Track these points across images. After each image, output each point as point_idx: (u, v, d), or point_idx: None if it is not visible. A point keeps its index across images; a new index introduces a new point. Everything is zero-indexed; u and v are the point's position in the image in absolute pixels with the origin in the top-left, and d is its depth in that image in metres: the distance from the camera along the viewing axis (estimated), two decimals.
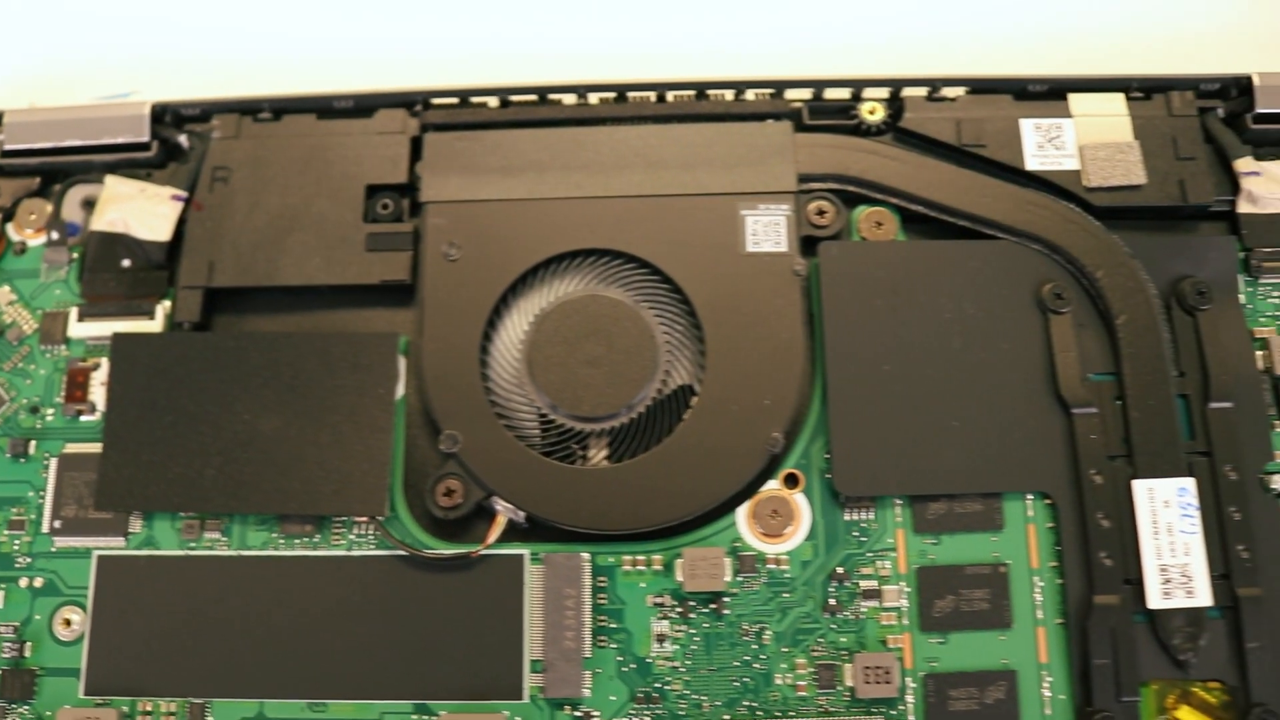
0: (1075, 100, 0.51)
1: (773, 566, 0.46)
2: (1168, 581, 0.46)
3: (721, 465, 0.45)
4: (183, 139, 0.50)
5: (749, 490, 0.46)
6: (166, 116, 0.50)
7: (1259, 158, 0.52)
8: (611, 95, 0.50)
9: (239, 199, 0.49)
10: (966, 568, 0.46)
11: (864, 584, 0.46)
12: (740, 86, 0.50)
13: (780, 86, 0.50)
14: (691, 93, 0.50)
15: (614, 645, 0.45)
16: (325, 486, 0.45)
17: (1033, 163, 0.50)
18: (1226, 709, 0.46)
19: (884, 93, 0.51)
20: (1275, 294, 0.50)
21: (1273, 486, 0.48)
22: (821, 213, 0.49)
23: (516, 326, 0.47)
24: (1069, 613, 0.45)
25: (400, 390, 0.47)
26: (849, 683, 0.44)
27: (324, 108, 0.50)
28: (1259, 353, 0.49)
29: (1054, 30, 0.57)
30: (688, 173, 0.49)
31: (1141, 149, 0.50)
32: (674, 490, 0.45)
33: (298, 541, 0.46)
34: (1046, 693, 0.45)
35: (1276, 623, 0.46)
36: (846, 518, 0.46)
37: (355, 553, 0.46)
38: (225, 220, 0.49)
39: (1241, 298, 0.50)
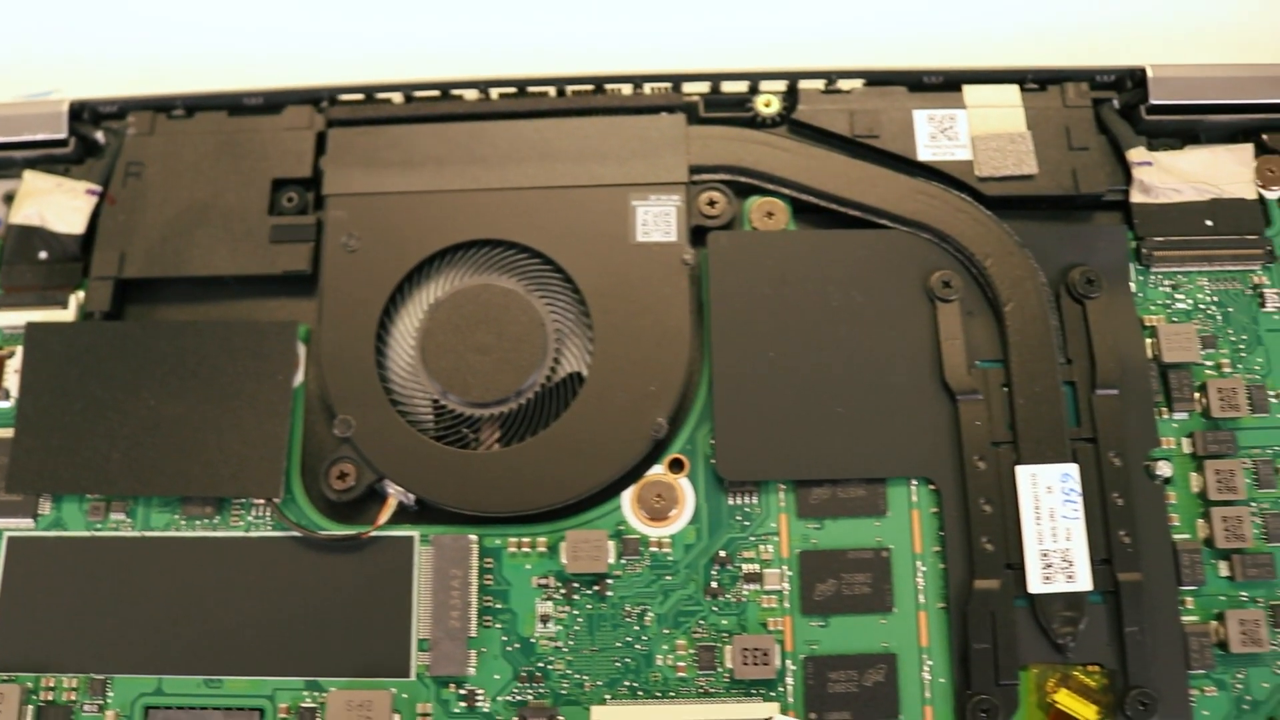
0: (969, 92, 0.52)
1: (656, 549, 0.46)
2: (1049, 566, 0.46)
3: (606, 450, 0.46)
4: (99, 135, 0.52)
5: (635, 474, 0.47)
6: (84, 114, 0.52)
7: (1153, 148, 0.52)
8: (512, 90, 0.51)
9: (151, 193, 0.51)
10: (849, 552, 0.47)
11: (746, 567, 0.46)
12: (638, 80, 0.51)
13: (677, 80, 0.51)
14: (590, 87, 0.51)
15: (499, 625, 0.46)
16: (224, 469, 0.47)
17: (925, 153, 0.50)
18: (1105, 692, 0.46)
19: (781, 86, 0.52)
20: (1166, 283, 0.51)
21: (1157, 473, 0.48)
22: (712, 203, 0.50)
23: (413, 315, 0.49)
24: (950, 597, 0.46)
25: (299, 377, 0.48)
26: (728, 664, 0.45)
27: (234, 105, 0.52)
28: (1148, 341, 0.50)
29: (952, 23, 0.58)
30: (581, 165, 0.50)
31: (1034, 139, 0.51)
32: (559, 474, 0.46)
33: (199, 523, 0.47)
34: (926, 676, 0.46)
35: (1156, 608, 0.46)
36: (730, 502, 0.47)
37: (253, 534, 0.47)
38: (137, 214, 0.50)
39: (1133, 286, 0.50)
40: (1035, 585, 0.46)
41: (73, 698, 0.45)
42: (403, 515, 0.47)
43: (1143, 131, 0.52)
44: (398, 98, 0.51)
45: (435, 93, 0.51)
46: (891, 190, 0.50)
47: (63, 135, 0.51)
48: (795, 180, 0.49)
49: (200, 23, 0.58)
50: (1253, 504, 0.48)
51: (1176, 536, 0.47)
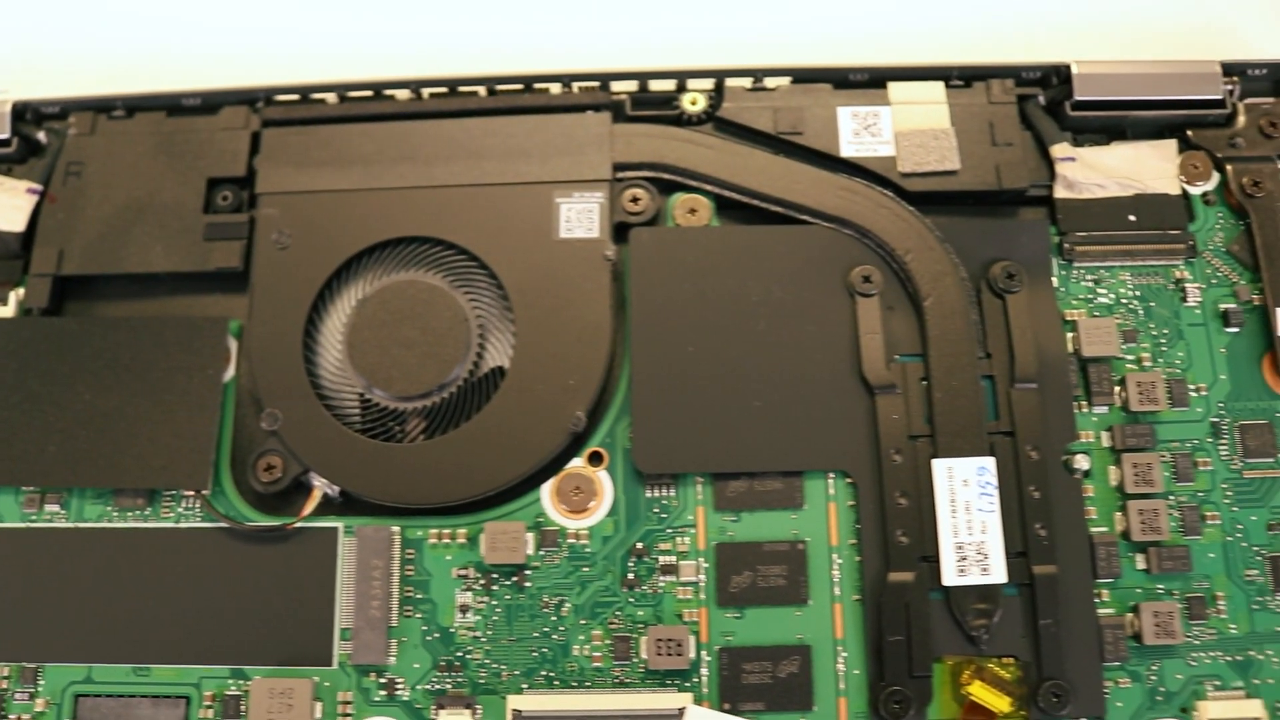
0: (894, 89, 0.52)
1: (574, 541, 0.47)
2: (963, 559, 0.47)
3: (525, 442, 0.47)
4: (41, 135, 0.53)
5: (554, 467, 0.48)
6: (27, 114, 0.53)
7: (1079, 144, 0.53)
8: (443, 90, 0.52)
9: (91, 192, 0.52)
10: (765, 545, 0.47)
11: (663, 559, 0.47)
12: (566, 80, 0.52)
13: (605, 79, 0.52)
14: (519, 87, 0.52)
15: (419, 615, 0.46)
16: (155, 462, 0.48)
17: (848, 149, 0.51)
18: (1019, 684, 0.46)
19: (708, 84, 0.52)
20: (1089, 278, 0.51)
21: (1075, 466, 0.49)
22: (635, 200, 0.50)
23: (341, 311, 0.50)
24: (865, 589, 0.47)
25: (230, 371, 0.49)
26: (643, 655, 0.46)
27: (173, 105, 0.53)
28: (1069, 335, 0.50)
29: (880, 21, 0.58)
30: (507, 163, 0.51)
31: (958, 136, 0.51)
32: (479, 466, 0.47)
33: (130, 514, 0.48)
34: (841, 668, 0.46)
35: (1071, 600, 0.47)
36: (648, 495, 0.48)
37: (183, 525, 0.48)
38: (77, 212, 0.52)
39: (1055, 281, 0.51)
40: (950, 578, 0.46)
41: (4, 686, 0.46)
42: (328, 507, 0.48)
43: (1068, 128, 0.53)
44: (332, 98, 0.52)
45: (368, 93, 0.52)
46: (814, 186, 0.50)
47: (6, 135, 0.52)
48: (718, 177, 0.50)
49: (143, 24, 0.59)
50: (1170, 497, 0.48)
51: (1094, 530, 0.48)
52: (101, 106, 0.53)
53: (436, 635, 0.46)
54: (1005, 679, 0.46)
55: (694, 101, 0.52)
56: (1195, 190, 0.52)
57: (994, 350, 0.49)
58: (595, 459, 0.48)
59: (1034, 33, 0.57)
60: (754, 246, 0.50)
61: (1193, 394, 0.50)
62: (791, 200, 0.50)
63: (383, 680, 0.46)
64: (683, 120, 0.52)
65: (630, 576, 0.47)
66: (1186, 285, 0.51)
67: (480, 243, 0.49)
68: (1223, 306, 0.51)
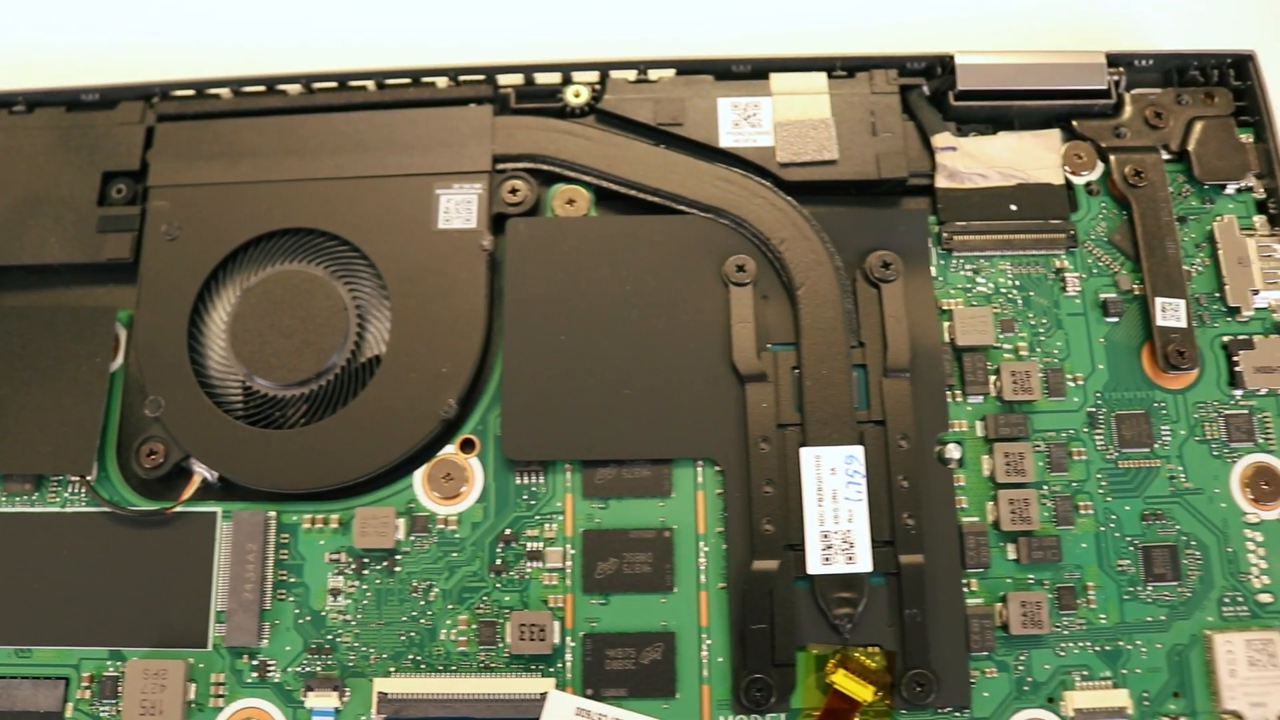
0: (776, 80, 0.52)
1: (443, 527, 0.48)
2: (829, 548, 0.47)
3: (397, 429, 0.48)
4: None
5: (427, 454, 0.48)
6: None
7: (964, 134, 0.53)
8: (333, 85, 0.53)
9: None
10: (632, 532, 0.47)
11: (530, 545, 0.47)
12: (454, 74, 0.53)
13: (491, 73, 0.52)
14: (407, 81, 0.53)
15: (292, 599, 0.47)
16: (42, 447, 0.49)
17: (727, 140, 0.51)
18: (884, 673, 0.46)
19: (593, 77, 0.53)
20: (968, 267, 0.51)
21: (946, 456, 0.49)
22: (514, 191, 0.51)
23: (227, 301, 0.51)
24: (730, 577, 0.47)
25: (119, 360, 0.51)
26: (508, 639, 0.47)
27: (72, 100, 0.54)
28: (945, 324, 0.50)
29: (767, 14, 0.58)
30: (391, 156, 0.51)
31: (839, 126, 0.51)
32: (352, 453, 0.48)
33: (18, 499, 0.49)
34: (705, 655, 0.46)
35: (939, 590, 0.47)
36: (518, 482, 0.48)
37: (68, 509, 0.49)
38: None
39: (934, 270, 0.51)
40: (815, 566, 0.47)
41: None
42: (208, 492, 0.49)
43: (954, 118, 0.53)
44: (226, 93, 0.53)
45: (261, 88, 0.53)
46: (691, 176, 0.50)
47: None
48: (596, 168, 0.50)
49: (45, 21, 0.60)
50: (1044, 487, 0.49)
51: (964, 519, 0.48)
52: (2, 102, 0.54)
53: (308, 619, 0.47)
54: (870, 668, 0.46)
55: (577, 94, 0.52)
56: (1079, 180, 0.52)
57: (868, 340, 0.49)
58: (467, 446, 0.49)
59: (924, 25, 0.57)
60: (630, 236, 0.50)
61: (1070, 384, 0.49)
62: (669, 190, 0.50)
63: (255, 662, 0.47)
64: (566, 113, 0.52)
65: (498, 562, 0.47)
66: (1067, 275, 0.51)
67: (361, 233, 0.50)
68: (1103, 296, 0.50)
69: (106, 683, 0.47)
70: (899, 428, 0.48)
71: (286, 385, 0.49)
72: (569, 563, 0.47)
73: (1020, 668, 0.47)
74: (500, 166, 0.51)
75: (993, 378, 0.49)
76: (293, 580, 0.47)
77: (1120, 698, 0.46)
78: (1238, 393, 0.50)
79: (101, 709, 0.46)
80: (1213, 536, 0.48)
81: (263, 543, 0.47)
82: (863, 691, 0.46)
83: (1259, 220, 0.52)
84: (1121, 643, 0.47)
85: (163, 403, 0.49)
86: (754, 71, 0.52)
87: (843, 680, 0.46)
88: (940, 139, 0.51)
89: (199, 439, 0.48)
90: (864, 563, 0.47)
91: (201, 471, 0.48)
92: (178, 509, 0.48)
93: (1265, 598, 0.48)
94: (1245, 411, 0.49)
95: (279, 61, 0.53)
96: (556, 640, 0.46)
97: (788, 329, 0.49)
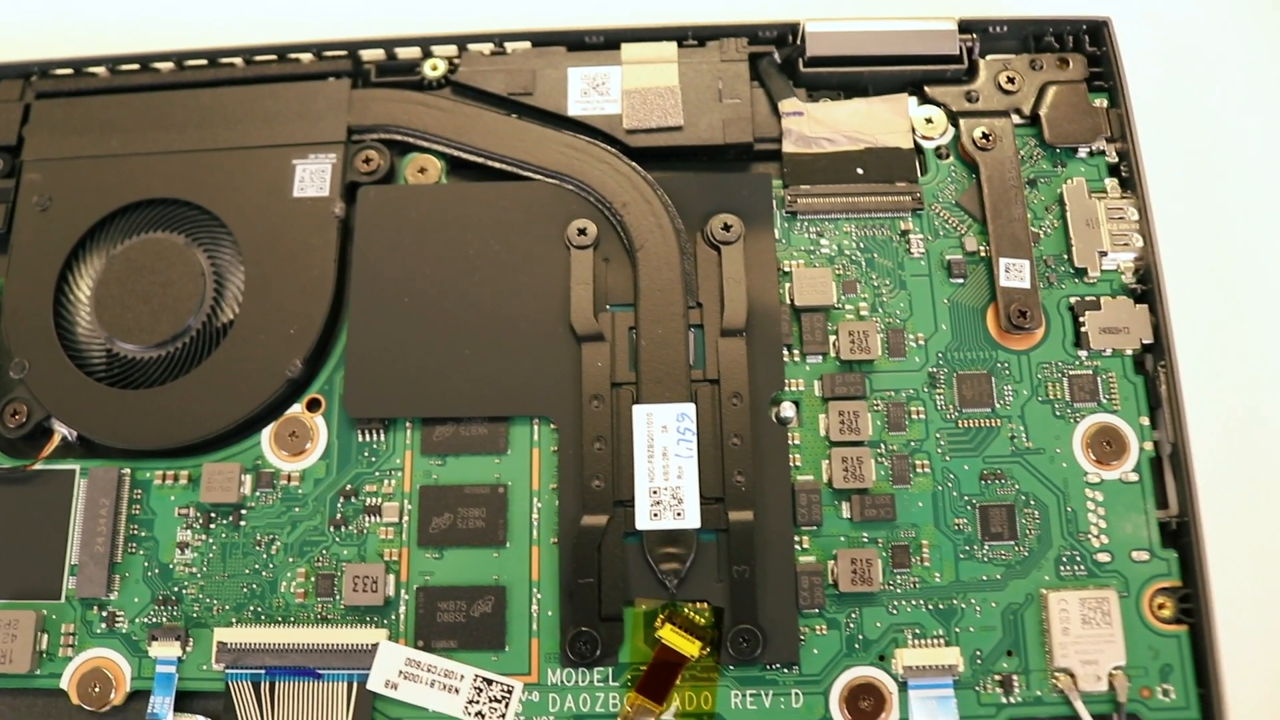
0: (627, 49, 0.53)
1: (286, 483, 0.49)
2: (658, 504, 0.47)
3: (246, 388, 0.49)
4: None
5: (275, 413, 0.50)
6: None
7: (815, 101, 0.53)
8: (203, 62, 0.55)
9: None
10: (467, 488, 0.48)
11: (369, 501, 0.49)
12: (318, 49, 0.54)
13: (353, 48, 0.54)
14: (274, 57, 0.54)
15: (142, 552, 0.49)
16: None
17: (575, 109, 0.52)
18: (710, 629, 0.47)
19: (452, 50, 0.54)
20: (812, 230, 0.51)
21: (782, 415, 0.49)
22: (368, 160, 0.52)
23: (93, 268, 0.52)
24: (561, 533, 0.47)
25: None
26: (343, 592, 0.47)
27: None
28: (786, 285, 0.50)
29: None
30: (252, 128, 0.53)
31: (686, 93, 0.52)
32: (203, 411, 0.49)
33: None
34: (535, 609, 0.47)
35: (770, 547, 0.47)
36: (360, 439, 0.49)
37: None
38: None
39: (777, 233, 0.51)
40: (643, 522, 0.47)
41: None
42: (69, 451, 0.50)
43: (805, 85, 0.53)
44: (103, 71, 0.55)
45: (135, 66, 0.55)
46: (538, 144, 0.52)
47: None
48: (446, 137, 0.52)
49: None
50: (881, 445, 0.49)
51: (799, 478, 0.48)
52: None
53: (156, 571, 0.48)
54: (698, 624, 0.47)
55: (434, 67, 0.54)
56: (929, 144, 0.53)
57: (706, 300, 0.49)
58: (314, 405, 0.50)
59: None
60: (477, 202, 0.51)
61: (912, 344, 0.50)
62: (516, 157, 0.51)
63: (104, 614, 0.48)
64: (424, 86, 0.54)
65: (338, 517, 0.48)
66: (912, 237, 0.51)
67: (221, 203, 0.52)
68: (948, 258, 0.51)
69: None
70: (732, 387, 0.48)
71: (145, 348, 0.50)
72: (406, 518, 0.48)
73: (851, 625, 0.47)
74: (356, 137, 0.53)
75: (832, 338, 0.50)
76: (143, 535, 0.49)
77: (952, 655, 0.46)
78: (1083, 353, 0.50)
79: None
80: (1053, 496, 0.48)
81: (115, 498, 0.49)
82: (689, 647, 0.46)
83: (1110, 183, 0.52)
84: (956, 601, 0.47)
85: (27, 365, 0.51)
86: (607, 42, 0.53)
87: (670, 635, 0.46)
88: (787, 104, 0.52)
89: (60, 399, 0.50)
90: (692, 519, 0.47)
91: (61, 430, 0.50)
92: (37, 466, 0.50)
93: (1103, 557, 0.47)
94: (1089, 372, 0.49)
95: (154, 40, 0.56)
96: (390, 593, 0.47)
97: (628, 291, 0.50)
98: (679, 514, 0.47)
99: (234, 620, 0.48)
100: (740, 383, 0.48)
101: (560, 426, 0.48)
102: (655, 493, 0.47)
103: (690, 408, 0.48)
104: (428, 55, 0.54)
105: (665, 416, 0.48)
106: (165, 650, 0.47)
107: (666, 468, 0.47)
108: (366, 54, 0.54)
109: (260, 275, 0.51)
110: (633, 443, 0.47)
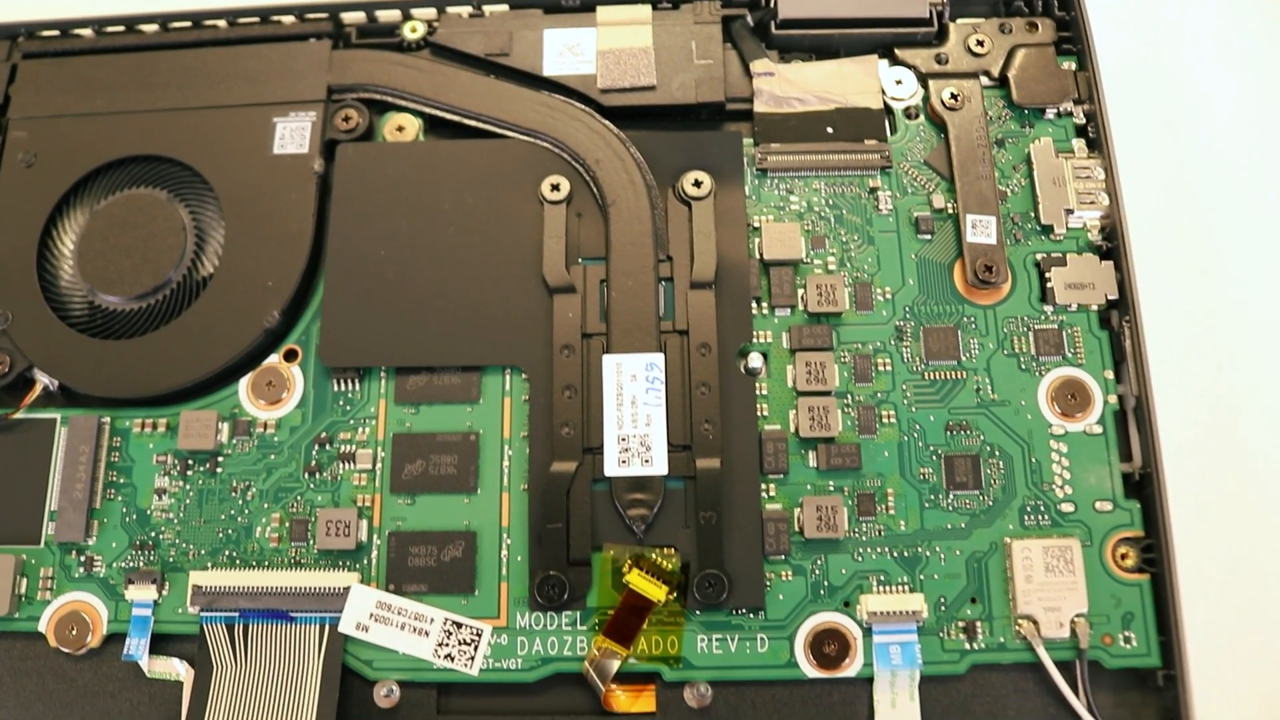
0: (602, 12, 0.54)
1: (263, 431, 0.50)
2: (626, 450, 0.48)
3: (223, 339, 0.50)
4: None
5: (252, 363, 0.50)
6: None
7: (786, 62, 0.54)
8: (188, 24, 0.56)
9: None
10: (439, 435, 0.49)
11: (344, 448, 0.49)
12: (300, 11, 0.55)
13: (334, 10, 0.55)
14: (256, 19, 0.55)
15: (120, 498, 0.49)
16: None
17: (551, 69, 0.53)
18: (677, 574, 0.47)
19: (431, 13, 0.55)
20: (781, 187, 0.52)
21: (751, 365, 0.49)
22: (347, 119, 0.53)
23: (77, 223, 0.53)
24: (531, 479, 0.48)
25: None
26: (317, 536, 0.48)
27: None
28: (755, 240, 0.51)
29: None
30: (234, 87, 0.54)
31: (660, 54, 0.53)
32: (182, 360, 0.50)
33: None
34: (504, 554, 0.48)
35: (736, 494, 0.47)
36: (335, 389, 0.50)
37: None
38: None
39: (748, 190, 0.52)
40: (611, 468, 0.48)
41: None
42: (50, 400, 0.51)
43: (777, 47, 0.54)
44: (89, 33, 0.56)
45: (121, 27, 0.56)
46: (514, 103, 0.53)
47: None
48: (424, 96, 0.53)
49: None
50: (848, 396, 0.49)
51: (766, 427, 0.49)
52: None
53: (134, 517, 0.49)
54: (665, 569, 0.47)
55: (414, 29, 0.55)
56: (899, 105, 0.53)
57: (676, 254, 0.50)
58: (291, 356, 0.51)
59: None
60: (453, 159, 0.52)
61: (879, 298, 0.50)
62: (492, 116, 0.52)
63: (83, 558, 0.49)
64: (403, 47, 0.55)
65: (313, 464, 0.49)
66: (880, 194, 0.52)
67: (203, 159, 0.53)
68: (916, 214, 0.51)
69: None
70: (701, 338, 0.49)
71: (127, 299, 0.51)
72: (379, 465, 0.49)
73: (816, 572, 0.47)
74: (335, 97, 0.54)
75: (800, 291, 0.50)
76: (122, 481, 0.50)
77: (916, 602, 0.46)
78: (1048, 308, 0.50)
79: None
80: (1017, 447, 0.49)
81: (94, 445, 0.50)
82: (656, 591, 0.47)
83: (1077, 144, 0.52)
84: (920, 549, 0.47)
85: (10, 316, 0.51)
86: (583, 5, 0.54)
87: (637, 580, 0.47)
88: (759, 65, 0.53)
89: (42, 349, 0.51)
90: (660, 466, 0.47)
91: (43, 380, 0.51)
92: (19, 415, 0.51)
93: (1067, 507, 0.48)
94: (1055, 326, 0.50)
95: (139, 2, 0.57)
96: (363, 538, 0.48)
97: (600, 245, 0.51)
98: (647, 460, 0.48)
99: (209, 565, 0.48)
100: (709, 334, 0.49)
101: (531, 376, 0.49)
102: (624, 440, 0.48)
103: (659, 358, 0.49)
104: (407, 18, 0.55)
105: (634, 366, 0.49)
106: (141, 594, 0.48)
107: (635, 415, 0.48)
108: (347, 16, 0.55)
109: (240, 229, 0.51)
110: (602, 392, 0.48)
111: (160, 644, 0.48)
